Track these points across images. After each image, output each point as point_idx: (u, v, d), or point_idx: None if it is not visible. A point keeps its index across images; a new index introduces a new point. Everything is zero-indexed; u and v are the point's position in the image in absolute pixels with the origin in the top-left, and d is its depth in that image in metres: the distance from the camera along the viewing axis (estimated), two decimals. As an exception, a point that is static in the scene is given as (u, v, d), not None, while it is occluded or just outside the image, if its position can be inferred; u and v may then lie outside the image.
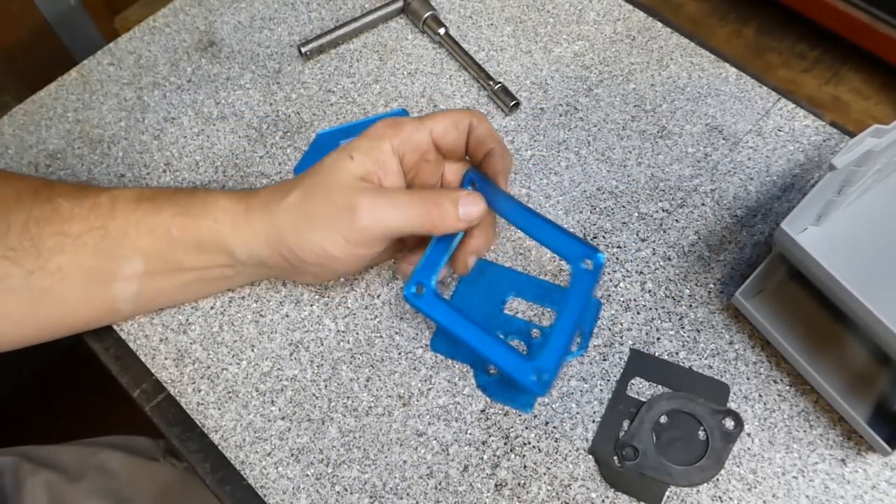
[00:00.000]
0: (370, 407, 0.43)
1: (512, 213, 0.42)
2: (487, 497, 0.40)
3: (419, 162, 0.42)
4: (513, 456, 0.41)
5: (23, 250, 0.39)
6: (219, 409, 0.43)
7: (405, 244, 0.45)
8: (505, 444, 0.42)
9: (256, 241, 0.40)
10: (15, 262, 0.39)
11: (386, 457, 0.42)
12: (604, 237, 0.48)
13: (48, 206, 0.40)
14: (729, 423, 0.41)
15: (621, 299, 0.46)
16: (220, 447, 0.42)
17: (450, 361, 0.44)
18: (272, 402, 0.43)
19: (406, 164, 0.41)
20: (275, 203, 0.40)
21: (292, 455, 0.42)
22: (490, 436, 0.42)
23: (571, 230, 0.48)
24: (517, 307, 0.46)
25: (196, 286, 0.44)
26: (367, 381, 0.44)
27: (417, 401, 0.43)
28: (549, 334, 0.39)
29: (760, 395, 0.43)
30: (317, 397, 0.43)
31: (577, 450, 0.42)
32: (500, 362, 0.38)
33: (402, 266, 0.44)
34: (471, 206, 0.40)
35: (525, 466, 0.41)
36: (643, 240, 0.48)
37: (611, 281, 0.47)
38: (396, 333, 0.45)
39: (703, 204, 0.49)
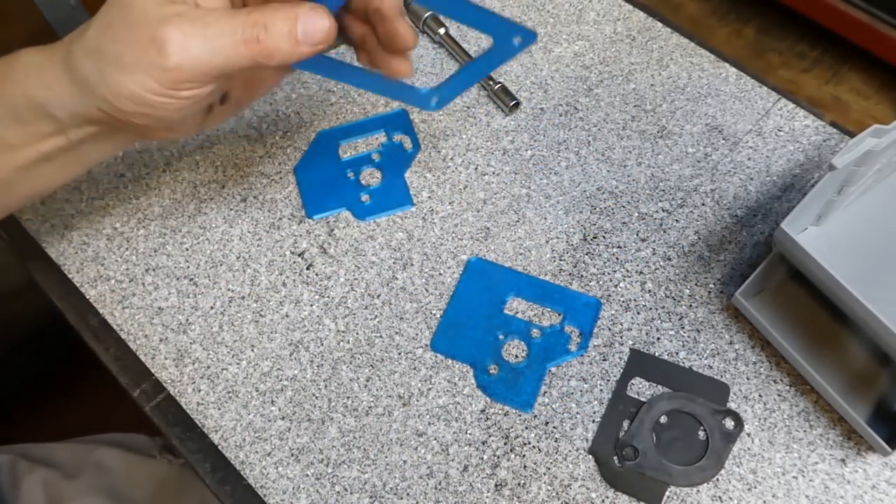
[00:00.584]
0: (370, 407, 0.43)
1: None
2: (487, 497, 0.40)
3: None
4: (513, 456, 0.41)
5: None
6: (219, 408, 0.43)
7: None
8: (505, 444, 0.42)
9: (69, 95, 0.33)
10: None
11: (386, 457, 0.42)
12: (604, 237, 0.48)
13: None
14: (729, 423, 0.41)
15: (621, 299, 0.46)
16: (220, 447, 0.42)
17: (450, 361, 0.44)
18: (272, 402, 0.43)
19: None
20: (75, 45, 0.33)
21: (292, 455, 0.42)
22: (490, 436, 0.42)
23: (571, 230, 0.48)
24: (517, 307, 0.46)
25: (43, 168, 0.37)
26: (367, 381, 0.44)
27: (417, 401, 0.43)
28: (457, 72, 0.38)
29: (760, 395, 0.43)
30: (317, 397, 0.43)
31: (577, 450, 0.42)
32: (399, 93, 0.37)
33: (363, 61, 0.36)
34: (313, 23, 0.31)
35: (525, 466, 0.41)
36: (643, 240, 0.48)
37: (611, 281, 0.47)
38: (396, 333, 0.45)
39: (703, 204, 0.49)
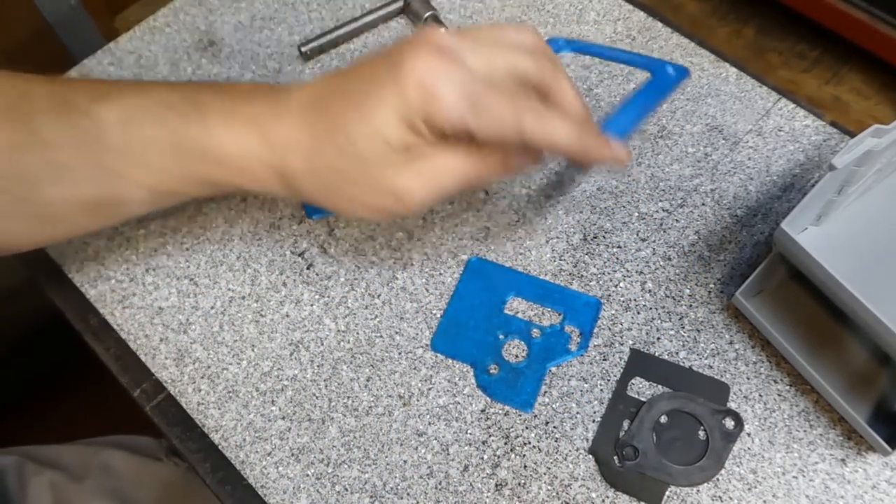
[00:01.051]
0: (370, 407, 0.43)
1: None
2: (487, 497, 0.40)
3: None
4: (513, 456, 0.41)
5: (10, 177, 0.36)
6: (219, 408, 0.43)
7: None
8: (505, 443, 0.42)
9: (277, 190, 0.37)
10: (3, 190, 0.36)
11: (386, 457, 0.42)
12: (604, 237, 0.48)
13: (24, 129, 0.36)
14: (729, 423, 0.41)
15: (621, 299, 0.46)
16: (220, 447, 0.42)
17: (450, 361, 0.44)
18: (272, 401, 0.43)
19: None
20: (294, 168, 0.35)
21: (292, 455, 0.42)
22: (490, 436, 0.42)
23: (571, 230, 0.48)
24: (517, 307, 0.46)
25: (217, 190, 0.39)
26: (368, 380, 0.44)
27: (417, 401, 0.43)
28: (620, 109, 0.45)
29: (760, 395, 0.43)
30: (317, 397, 0.43)
31: (577, 450, 0.42)
32: None
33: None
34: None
35: (525, 466, 0.41)
36: (643, 240, 0.48)
37: (611, 281, 0.47)
38: (396, 333, 0.45)
39: (703, 204, 0.49)
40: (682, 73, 0.45)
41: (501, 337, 0.44)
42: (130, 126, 0.36)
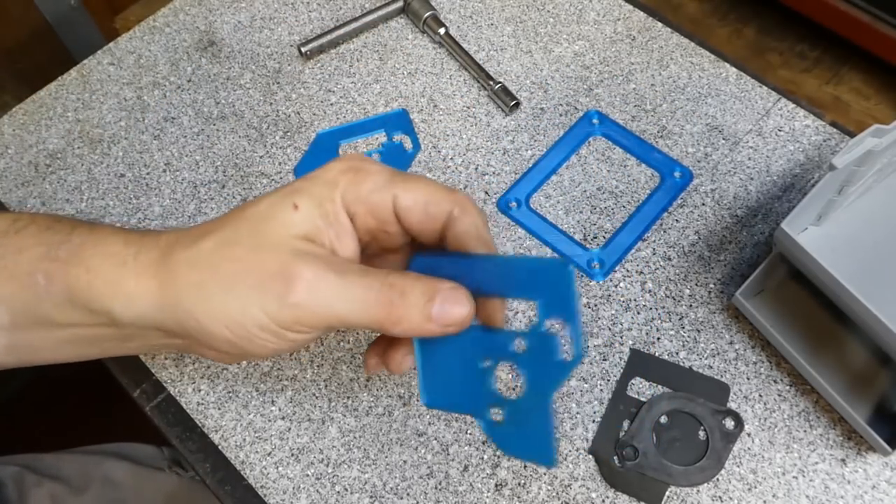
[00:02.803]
0: (370, 407, 0.43)
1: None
2: (487, 497, 0.40)
3: (376, 230, 0.32)
4: (513, 456, 0.41)
5: None
6: (219, 408, 0.43)
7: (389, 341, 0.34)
8: (505, 444, 0.42)
9: (144, 301, 0.30)
10: None
11: (386, 457, 0.42)
12: (604, 237, 0.48)
13: None
14: (729, 423, 0.41)
15: (621, 299, 0.46)
16: (220, 447, 0.42)
17: (450, 361, 0.44)
18: (272, 401, 0.43)
19: (359, 226, 0.31)
20: (177, 251, 0.30)
21: (292, 455, 0.42)
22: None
23: (571, 230, 0.48)
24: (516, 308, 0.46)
25: (81, 346, 0.34)
26: (367, 381, 0.44)
27: (417, 401, 0.43)
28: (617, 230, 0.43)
29: (760, 395, 0.43)
30: (317, 397, 0.43)
31: (577, 450, 0.42)
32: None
33: (370, 363, 0.34)
34: (452, 306, 0.29)
35: (525, 466, 0.41)
36: (643, 240, 0.48)
37: (611, 281, 0.47)
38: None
39: (703, 204, 0.49)
40: (688, 178, 0.50)
41: (487, 363, 0.32)
42: (7, 237, 0.33)
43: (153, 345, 0.34)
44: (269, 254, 0.29)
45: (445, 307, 0.29)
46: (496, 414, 0.32)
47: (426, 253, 0.33)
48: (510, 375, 0.42)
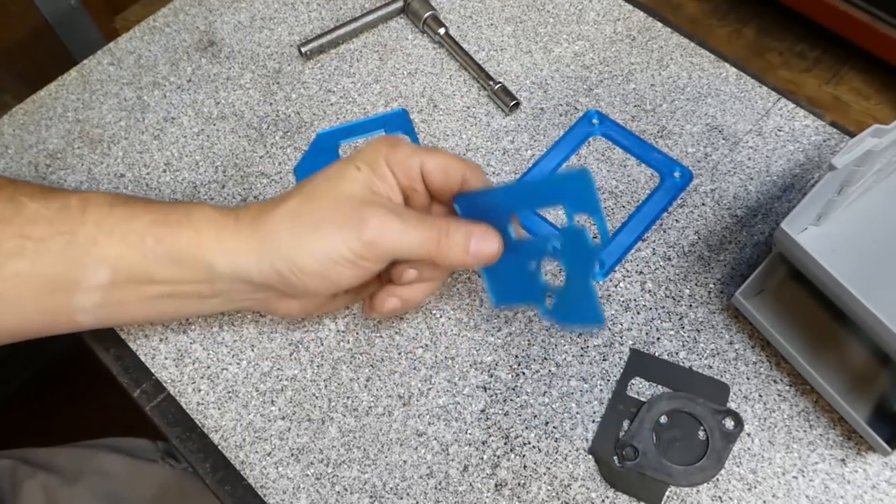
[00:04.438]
0: (370, 407, 0.43)
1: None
2: (487, 497, 0.40)
3: (408, 188, 0.39)
4: (513, 456, 0.41)
5: None
6: (219, 408, 0.43)
7: (379, 280, 0.42)
8: (505, 444, 0.42)
9: (246, 253, 0.37)
10: None
11: (386, 457, 0.42)
12: (604, 237, 0.48)
13: (10, 204, 0.36)
14: (729, 423, 0.41)
15: (621, 299, 0.46)
16: (220, 447, 0.42)
17: (450, 361, 0.44)
18: (272, 401, 0.43)
19: (399, 186, 0.39)
20: (269, 211, 0.37)
21: (292, 455, 0.42)
22: (490, 436, 0.42)
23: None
24: (528, 225, 0.45)
25: (164, 303, 0.39)
26: (367, 381, 0.44)
27: (417, 401, 0.43)
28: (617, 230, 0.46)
29: (760, 395, 0.43)
30: (317, 397, 0.43)
31: (577, 450, 0.42)
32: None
33: (376, 303, 0.41)
34: (483, 243, 0.37)
35: (525, 466, 0.41)
36: (643, 240, 0.48)
37: (611, 281, 0.47)
38: (396, 333, 0.45)
39: (703, 204, 0.49)
40: (688, 178, 0.50)
41: (533, 265, 0.40)
42: (115, 207, 0.38)
43: (234, 301, 0.40)
44: (345, 203, 0.36)
45: (480, 245, 0.37)
46: (549, 300, 0.40)
47: (464, 193, 0.40)
48: (553, 269, 0.46)
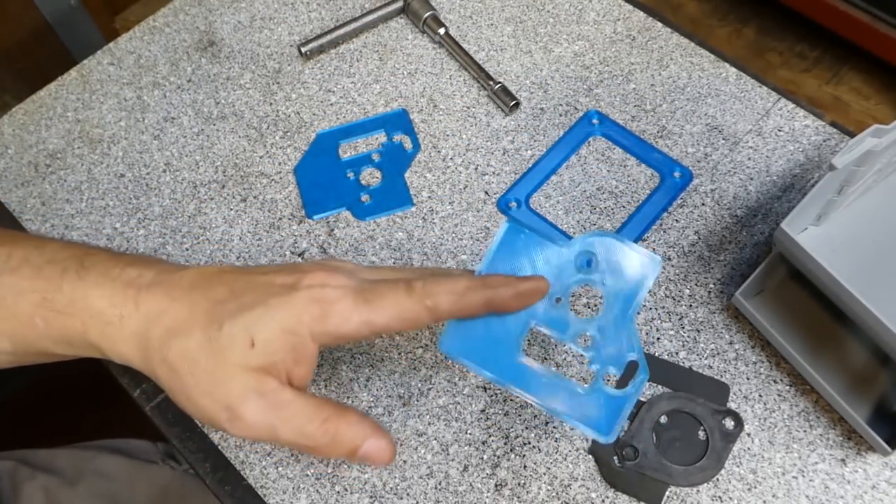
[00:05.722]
0: (370, 407, 0.43)
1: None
2: (487, 497, 0.40)
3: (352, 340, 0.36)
4: (513, 456, 0.41)
5: None
6: (219, 409, 0.43)
7: None
8: (505, 444, 0.42)
9: (133, 361, 0.35)
10: None
11: (386, 457, 0.42)
12: (604, 237, 0.48)
13: None
14: (729, 423, 0.41)
15: (621, 299, 0.46)
16: (220, 447, 0.42)
17: (450, 361, 0.44)
18: (272, 402, 0.43)
19: (323, 348, 0.35)
20: (154, 340, 0.34)
21: (292, 455, 0.42)
22: (490, 436, 0.42)
23: (571, 231, 0.48)
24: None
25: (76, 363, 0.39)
26: (367, 381, 0.44)
27: (417, 401, 0.43)
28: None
29: (760, 395, 0.43)
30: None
31: (577, 450, 0.42)
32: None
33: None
34: (374, 448, 0.33)
35: (525, 466, 0.41)
36: (643, 240, 0.48)
37: (611, 281, 0.47)
38: (396, 333, 0.45)
39: (703, 204, 0.49)
40: (688, 178, 0.50)
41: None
42: (3, 275, 0.36)
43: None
44: (223, 386, 0.32)
45: (370, 450, 0.33)
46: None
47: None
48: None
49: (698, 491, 0.40)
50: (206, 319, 0.33)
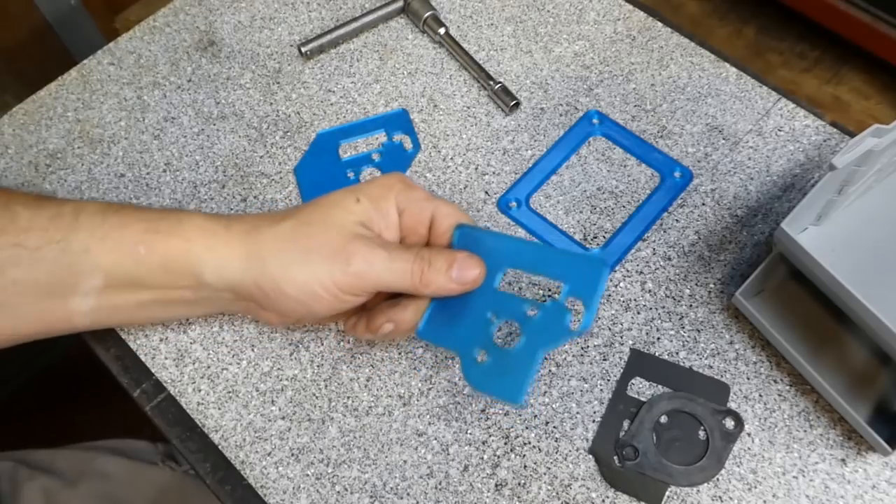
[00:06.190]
0: (370, 407, 0.43)
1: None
2: (487, 497, 0.40)
3: (410, 230, 0.40)
4: (513, 456, 0.41)
5: None
6: (219, 408, 0.43)
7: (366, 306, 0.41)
8: (505, 443, 0.42)
9: (233, 264, 0.38)
10: None
11: (386, 457, 0.42)
12: (604, 237, 0.48)
13: (5, 213, 0.37)
14: (729, 423, 0.41)
15: (621, 299, 0.46)
16: (220, 447, 0.42)
17: (450, 361, 0.44)
18: (272, 401, 0.43)
19: (401, 223, 0.40)
20: (263, 228, 0.38)
21: (292, 455, 0.42)
22: (490, 436, 0.42)
23: (571, 231, 0.48)
24: (513, 281, 0.45)
25: (155, 308, 0.41)
26: (367, 381, 0.44)
27: (417, 401, 0.43)
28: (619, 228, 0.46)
29: (760, 395, 0.43)
30: (317, 397, 0.43)
31: (577, 450, 0.42)
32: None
33: (350, 323, 0.42)
34: (466, 271, 0.38)
35: (525, 466, 0.41)
36: (643, 240, 0.48)
37: (611, 281, 0.47)
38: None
39: (703, 204, 0.49)
40: (688, 178, 0.50)
41: (492, 318, 0.38)
42: (108, 216, 0.38)
43: (216, 306, 0.42)
44: (336, 234, 0.37)
45: (462, 271, 0.38)
46: (481, 356, 0.38)
47: (467, 226, 0.40)
48: (510, 332, 0.41)
49: (698, 491, 0.40)
50: (313, 203, 0.39)
